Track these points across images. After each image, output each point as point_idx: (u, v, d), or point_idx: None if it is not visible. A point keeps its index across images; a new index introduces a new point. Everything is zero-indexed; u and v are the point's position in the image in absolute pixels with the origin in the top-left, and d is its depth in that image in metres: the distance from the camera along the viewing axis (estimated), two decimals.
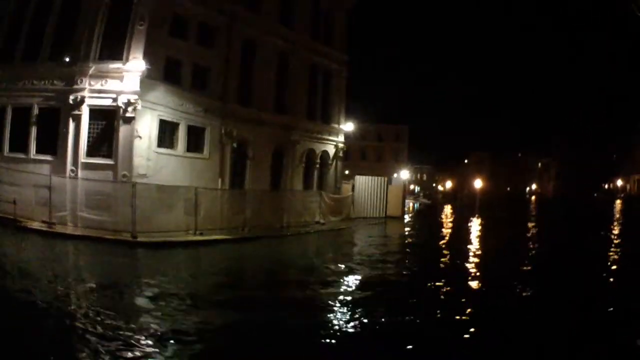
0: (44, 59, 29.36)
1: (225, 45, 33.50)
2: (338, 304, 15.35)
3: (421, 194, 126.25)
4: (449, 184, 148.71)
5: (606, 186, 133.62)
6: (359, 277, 20.00)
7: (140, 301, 14.77)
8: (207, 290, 16.69)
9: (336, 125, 45.72)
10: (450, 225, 47.50)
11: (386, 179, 49.75)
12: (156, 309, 13.86)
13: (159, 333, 11.67)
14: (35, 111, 28.83)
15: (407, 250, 29.37)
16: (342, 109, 46.59)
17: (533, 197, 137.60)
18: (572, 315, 13.54)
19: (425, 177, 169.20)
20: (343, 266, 22.59)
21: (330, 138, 45.11)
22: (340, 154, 46.29)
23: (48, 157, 28.26)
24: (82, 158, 27.79)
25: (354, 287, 18.25)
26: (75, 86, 28.08)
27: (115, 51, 28.39)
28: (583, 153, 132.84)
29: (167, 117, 29.91)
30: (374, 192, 46.95)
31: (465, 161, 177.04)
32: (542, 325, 12.79)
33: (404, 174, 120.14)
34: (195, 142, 31.83)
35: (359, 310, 14.41)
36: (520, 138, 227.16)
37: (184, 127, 30.89)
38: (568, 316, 13.51)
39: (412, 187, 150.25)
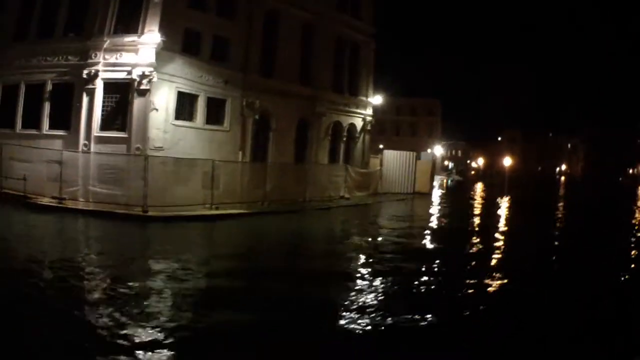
0: (58, 35, 28.75)
1: (247, 16, 32.27)
2: (351, 283, 14.14)
3: (453, 171, 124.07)
4: (481, 161, 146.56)
5: (631, 171, 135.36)
6: (378, 256, 18.52)
7: (139, 274, 13.72)
8: (213, 264, 15.92)
9: (364, 98, 44.27)
10: (477, 206, 45.01)
11: (415, 154, 48.19)
12: (154, 280, 13.23)
13: (162, 301, 11.47)
14: (49, 87, 28.22)
15: (429, 231, 26.81)
16: (370, 81, 45.06)
17: (562, 178, 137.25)
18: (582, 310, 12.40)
19: (459, 154, 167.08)
20: (363, 243, 21.66)
21: (358, 111, 43.63)
22: (368, 127, 44.72)
23: (61, 132, 27.50)
24: (96, 132, 26.92)
25: (370, 265, 16.78)
26: (90, 60, 27.31)
27: (130, 25, 27.60)
28: (610, 136, 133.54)
29: (186, 89, 28.93)
30: (402, 167, 45.39)
31: (499, 139, 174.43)
32: (554, 315, 11.83)
33: (438, 150, 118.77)
34: (215, 114, 30.68)
35: (371, 290, 13.38)
36: (551, 117, 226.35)
37: (203, 99, 29.81)
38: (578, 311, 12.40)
39: (446, 163, 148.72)
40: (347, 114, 42.34)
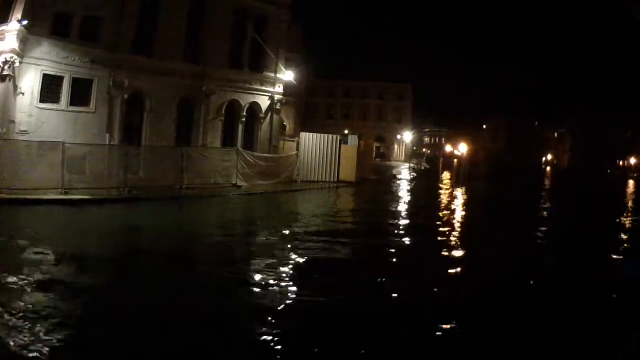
0: None
1: None
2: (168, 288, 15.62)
3: (424, 158, 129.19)
4: (463, 148, 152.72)
5: (620, 163, 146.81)
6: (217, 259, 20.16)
7: None
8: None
9: (272, 74, 47.89)
10: (407, 200, 46.35)
11: (339, 137, 51.22)
12: None
13: None
14: None
15: (310, 235, 24.68)
16: (280, 56, 48.61)
17: (548, 169, 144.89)
18: None
19: (443, 141, 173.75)
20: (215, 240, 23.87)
21: (263, 88, 47.36)
22: (277, 107, 48.56)
23: None
24: None
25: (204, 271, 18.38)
26: None
27: (5, 15, 32.64)
28: (599, 126, 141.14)
29: (51, 72, 34.40)
30: (324, 153, 48.39)
31: (484, 127, 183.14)
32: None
33: (407, 136, 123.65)
34: (81, 95, 35.88)
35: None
36: (537, 106, 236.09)
37: (68, 80, 35.16)
38: None
39: (424, 150, 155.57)
40: (248, 92, 46.17)
